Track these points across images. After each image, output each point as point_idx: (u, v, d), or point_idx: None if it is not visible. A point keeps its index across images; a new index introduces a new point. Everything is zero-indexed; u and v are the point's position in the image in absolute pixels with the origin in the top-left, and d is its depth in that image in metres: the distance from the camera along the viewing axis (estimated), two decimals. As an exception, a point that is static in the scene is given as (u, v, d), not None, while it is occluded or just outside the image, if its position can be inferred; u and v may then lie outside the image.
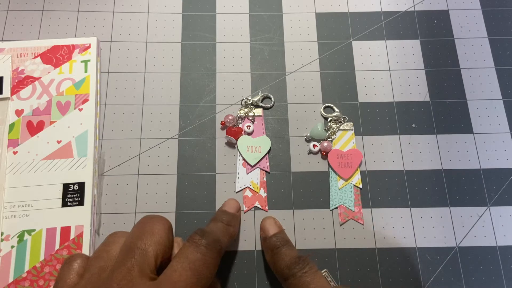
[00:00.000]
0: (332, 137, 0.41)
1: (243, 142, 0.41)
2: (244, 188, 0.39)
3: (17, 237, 0.36)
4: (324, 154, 0.40)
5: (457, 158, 0.41)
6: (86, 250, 0.36)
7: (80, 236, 0.36)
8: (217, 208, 0.39)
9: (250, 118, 0.42)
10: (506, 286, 0.37)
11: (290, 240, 0.34)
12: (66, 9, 0.45)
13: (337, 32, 0.45)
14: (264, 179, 0.40)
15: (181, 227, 0.38)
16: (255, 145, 0.40)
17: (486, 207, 0.39)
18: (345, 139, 0.41)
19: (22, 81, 0.41)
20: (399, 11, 0.46)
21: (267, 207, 0.39)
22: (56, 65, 0.41)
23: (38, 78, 0.41)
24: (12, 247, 0.36)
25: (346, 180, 0.40)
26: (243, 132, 0.41)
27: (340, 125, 0.41)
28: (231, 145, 0.41)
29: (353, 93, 0.43)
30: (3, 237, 0.36)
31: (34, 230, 0.36)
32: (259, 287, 0.36)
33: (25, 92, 0.40)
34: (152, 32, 0.45)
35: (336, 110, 0.42)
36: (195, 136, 0.41)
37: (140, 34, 0.45)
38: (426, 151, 0.41)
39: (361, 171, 0.40)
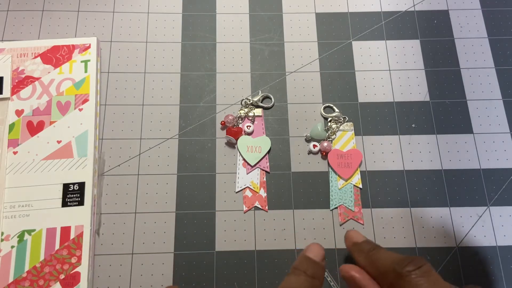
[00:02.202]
0: (332, 137, 0.41)
1: (243, 142, 0.41)
2: (244, 188, 0.39)
3: (17, 237, 0.36)
4: (324, 154, 0.40)
5: (457, 158, 0.41)
6: (86, 250, 0.36)
7: (80, 236, 0.36)
8: (217, 207, 0.39)
9: (250, 118, 0.42)
10: (506, 286, 0.37)
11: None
12: (66, 9, 0.45)
13: (337, 32, 0.45)
14: (264, 179, 0.40)
15: (181, 227, 0.38)
16: (255, 145, 0.40)
17: (486, 207, 0.39)
18: (345, 139, 0.41)
19: (22, 81, 0.41)
20: (399, 11, 0.46)
21: (267, 207, 0.39)
22: (56, 65, 0.41)
23: (38, 78, 0.41)
24: (12, 247, 0.36)
25: (346, 180, 0.40)
26: (243, 132, 0.41)
27: (340, 125, 0.41)
28: (231, 145, 0.41)
29: (353, 93, 0.43)
30: (3, 237, 0.36)
31: (34, 230, 0.36)
32: (259, 287, 0.36)
33: (25, 92, 0.40)
34: (152, 32, 0.45)
35: (336, 110, 0.42)
36: (195, 136, 0.41)
37: (140, 34, 0.45)
38: (426, 151, 0.41)
39: (361, 171, 0.40)
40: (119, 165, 0.40)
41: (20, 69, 0.41)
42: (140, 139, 0.41)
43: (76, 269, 0.35)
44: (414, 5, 0.47)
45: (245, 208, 0.39)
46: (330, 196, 0.39)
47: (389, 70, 0.44)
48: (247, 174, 0.40)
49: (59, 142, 0.39)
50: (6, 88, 0.40)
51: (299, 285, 0.27)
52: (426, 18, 0.46)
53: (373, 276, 0.29)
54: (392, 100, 0.43)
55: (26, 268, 0.35)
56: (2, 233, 0.36)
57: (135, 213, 0.38)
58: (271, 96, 0.42)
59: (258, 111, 0.42)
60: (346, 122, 0.42)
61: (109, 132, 0.41)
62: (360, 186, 0.40)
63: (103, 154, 0.40)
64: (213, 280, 0.36)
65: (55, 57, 0.42)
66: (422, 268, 0.26)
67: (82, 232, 0.36)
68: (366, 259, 0.30)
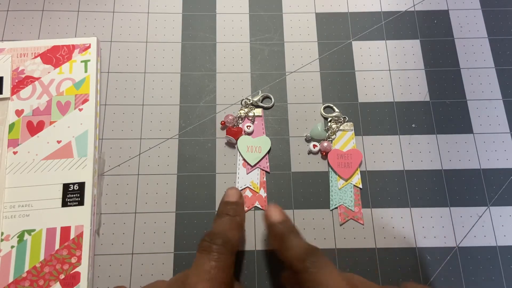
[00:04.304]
0: (332, 137, 0.41)
1: (243, 142, 0.41)
2: (244, 188, 0.39)
3: (17, 237, 0.36)
4: (324, 154, 0.40)
5: (457, 158, 0.41)
6: (86, 250, 0.36)
7: (80, 236, 0.36)
8: (217, 207, 0.39)
9: (250, 118, 0.42)
10: (506, 286, 0.37)
11: (296, 228, 0.32)
12: (66, 9, 0.45)
13: (337, 32, 0.45)
14: (264, 179, 0.40)
15: (181, 227, 0.38)
16: (255, 145, 0.40)
17: (486, 207, 0.39)
18: (345, 139, 0.41)
19: (22, 81, 0.41)
20: (399, 11, 0.46)
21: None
22: (56, 65, 0.41)
23: (38, 78, 0.41)
24: (12, 247, 0.36)
25: (346, 180, 0.40)
26: (243, 132, 0.41)
27: (340, 125, 0.41)
28: (231, 145, 0.41)
29: (353, 93, 0.43)
30: (3, 237, 0.36)
31: (34, 230, 0.36)
32: (259, 287, 0.36)
33: (25, 92, 0.40)
34: (152, 32, 0.45)
35: (336, 110, 0.42)
36: (195, 136, 0.41)
37: (140, 34, 0.45)
38: (426, 151, 0.41)
39: (361, 171, 0.40)
40: (119, 165, 0.40)
41: (20, 69, 0.41)
42: (140, 139, 0.41)
43: (76, 269, 0.35)
44: (414, 5, 0.47)
45: (245, 208, 0.39)
46: (330, 196, 0.39)
47: (389, 70, 0.44)
48: (247, 174, 0.40)
49: (59, 142, 0.39)
50: (6, 88, 0.40)
51: (223, 225, 0.32)
52: (426, 18, 0.46)
53: (286, 261, 0.30)
54: (392, 100, 0.43)
55: (26, 268, 0.35)
56: (2, 233, 0.36)
57: (135, 213, 0.38)
58: (271, 96, 0.43)
59: (258, 111, 0.42)
60: (346, 122, 0.42)
61: (109, 132, 0.41)
62: (360, 186, 0.40)
63: (103, 154, 0.40)
64: (213, 280, 0.36)
65: (55, 57, 0.42)
66: (318, 263, 0.28)
67: (82, 232, 0.36)
68: (278, 246, 0.31)
